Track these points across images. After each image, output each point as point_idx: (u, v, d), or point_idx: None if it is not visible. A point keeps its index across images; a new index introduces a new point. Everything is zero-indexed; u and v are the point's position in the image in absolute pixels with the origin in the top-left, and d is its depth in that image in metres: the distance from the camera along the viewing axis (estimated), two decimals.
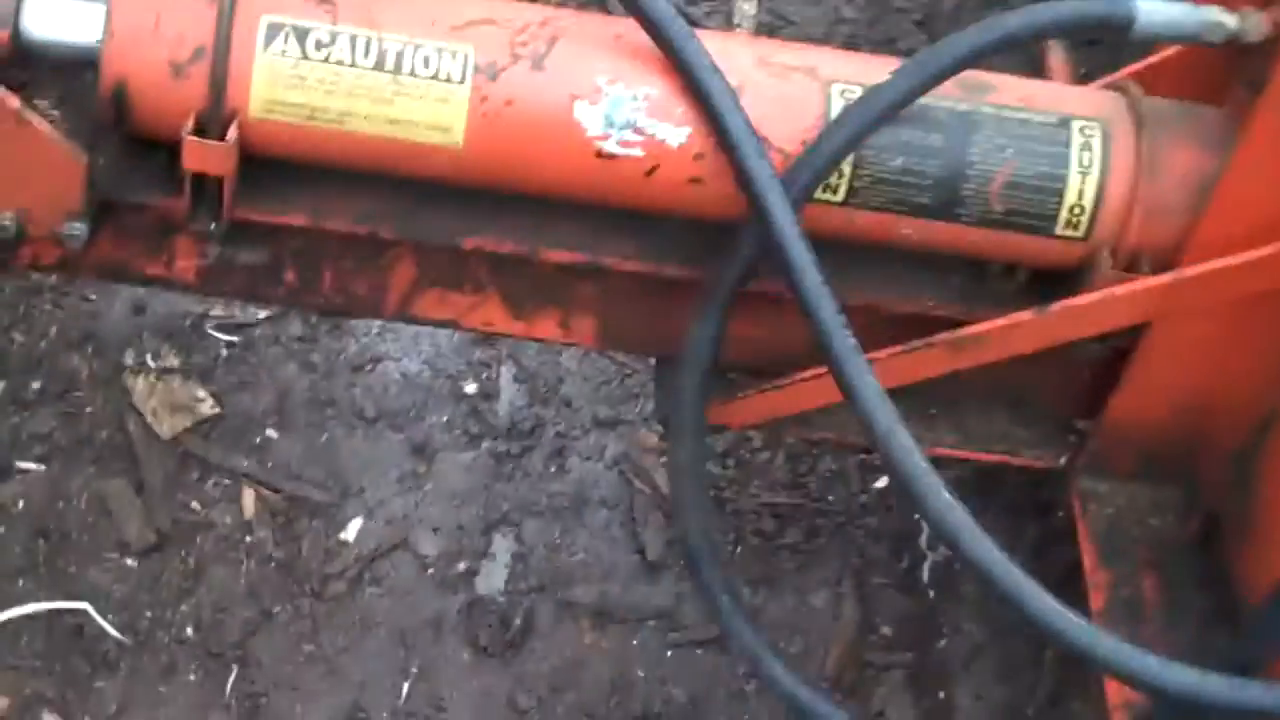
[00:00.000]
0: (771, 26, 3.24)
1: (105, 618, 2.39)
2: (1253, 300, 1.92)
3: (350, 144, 1.88)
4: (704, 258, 1.97)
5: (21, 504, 2.47)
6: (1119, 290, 1.89)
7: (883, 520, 2.61)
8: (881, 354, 1.95)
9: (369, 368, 2.69)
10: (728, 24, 3.22)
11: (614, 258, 2.00)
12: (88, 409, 2.57)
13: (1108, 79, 2.10)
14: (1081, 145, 1.90)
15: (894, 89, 1.86)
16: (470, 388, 2.69)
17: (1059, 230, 1.91)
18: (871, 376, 1.78)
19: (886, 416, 1.76)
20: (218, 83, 1.83)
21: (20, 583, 2.40)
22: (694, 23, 3.19)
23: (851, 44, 3.23)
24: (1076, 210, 1.90)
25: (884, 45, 3.24)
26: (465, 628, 2.46)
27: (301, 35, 1.83)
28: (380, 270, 2.06)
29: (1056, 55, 2.41)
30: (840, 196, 1.90)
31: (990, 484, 2.45)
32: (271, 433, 2.60)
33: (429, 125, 1.86)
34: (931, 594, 2.54)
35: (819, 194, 1.89)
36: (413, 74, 1.84)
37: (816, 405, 2.06)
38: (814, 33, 3.24)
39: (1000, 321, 1.93)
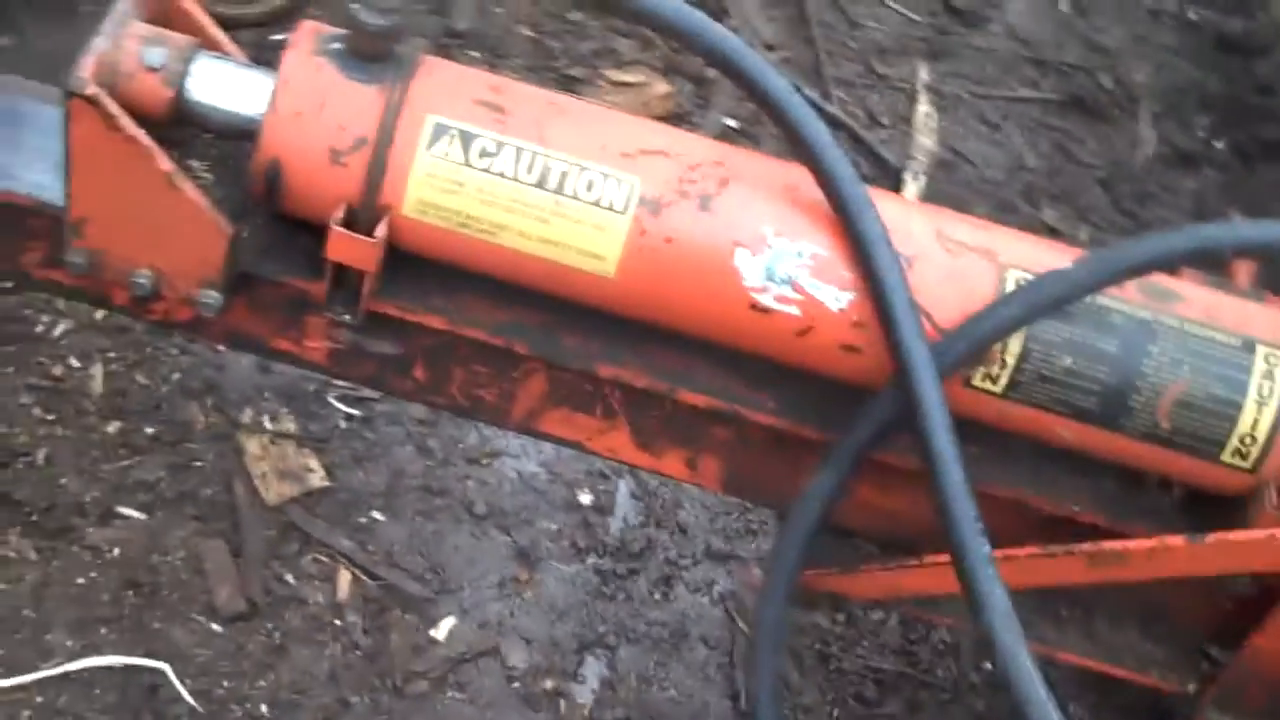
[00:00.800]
0: (949, 164, 3.15)
1: (183, 681, 2.33)
2: None
3: (499, 257, 1.82)
4: (845, 423, 1.88)
5: (117, 551, 2.42)
6: None
7: (989, 703, 2.48)
8: (1017, 553, 1.85)
9: (486, 462, 2.62)
10: (905, 154, 3.13)
11: (752, 410, 1.91)
12: (197, 462, 2.53)
13: None
14: (1264, 373, 1.78)
15: (1069, 279, 1.77)
16: (585, 498, 2.62)
17: (1226, 457, 1.80)
18: (1001, 590, 1.69)
19: (1011, 637, 1.66)
20: (374, 176, 1.78)
21: (103, 631, 2.35)
22: (868, 147, 3.16)
23: (1028, 193, 3.14)
24: (1248, 440, 1.78)
25: (1062, 199, 3.14)
26: None
27: (467, 141, 1.77)
28: (511, 381, 1.99)
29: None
30: (1001, 388, 1.80)
31: (1108, 682, 2.33)
32: (378, 515, 2.54)
33: (583, 251, 1.79)
34: None
35: (978, 381, 1.80)
36: (574, 197, 1.78)
37: (941, 591, 1.96)
38: (992, 175, 3.15)
39: (1148, 543, 1.82)
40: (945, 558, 1.81)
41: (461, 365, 1.98)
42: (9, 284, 2.40)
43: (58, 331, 2.58)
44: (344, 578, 2.47)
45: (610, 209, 1.77)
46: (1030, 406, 1.82)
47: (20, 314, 2.55)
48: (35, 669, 2.30)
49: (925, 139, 3.15)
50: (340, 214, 1.78)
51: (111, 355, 2.59)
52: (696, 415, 1.95)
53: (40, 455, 2.46)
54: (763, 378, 1.91)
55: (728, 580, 2.57)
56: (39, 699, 2.28)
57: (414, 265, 1.87)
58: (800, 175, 1.80)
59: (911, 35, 3.47)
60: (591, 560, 2.56)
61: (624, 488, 2.64)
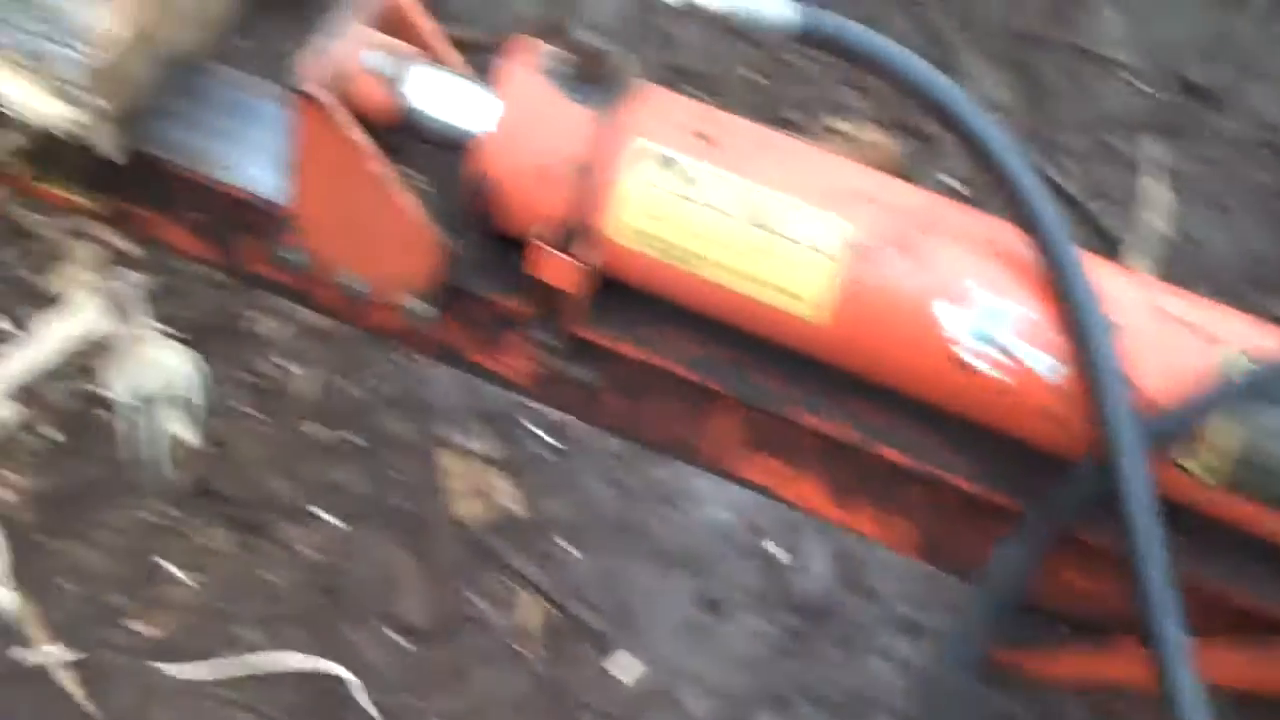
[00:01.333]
0: (1174, 243, 3.04)
1: (364, 691, 2.35)
2: None
3: (699, 289, 1.79)
4: (1043, 494, 1.80)
5: (310, 552, 2.46)
6: None
7: None
8: (1219, 647, 1.76)
9: (678, 504, 2.60)
10: (1128, 229, 3.03)
11: (947, 471, 1.85)
12: (394, 474, 2.55)
13: None
14: None
15: None
16: (775, 550, 2.57)
17: None
18: (1197, 684, 1.59)
19: None
20: (582, 198, 1.77)
21: (290, 632, 2.38)
22: (1091, 218, 3.05)
23: (1258, 282, 3.01)
24: None
25: None
26: None
27: (675, 168, 1.75)
28: (703, 417, 1.96)
29: None
30: (1209, 472, 1.71)
31: None
32: (566, 545, 2.53)
33: (782, 289, 1.75)
34: None
35: (1186, 463, 1.71)
36: (780, 234, 1.74)
37: (1135, 682, 1.86)
38: (1221, 260, 3.03)
39: None
40: (1139, 645, 1.74)
41: (655, 397, 1.96)
42: (230, 277, 2.47)
43: (270, 330, 2.63)
44: (528, 605, 2.46)
45: (813, 248, 1.73)
46: (1240, 495, 1.72)
47: (235, 309, 2.61)
48: (220, 659, 2.33)
49: (1151, 216, 3.05)
50: (545, 232, 1.78)
51: (320, 359, 2.63)
52: (890, 472, 1.89)
53: (243, 450, 2.51)
54: (960, 439, 1.84)
55: (915, 651, 2.49)
56: (221, 691, 2.31)
57: (617, 292, 1.85)
58: (1007, 232, 1.74)
59: (1145, 109, 3.37)
60: (777, 614, 2.51)
61: (816, 544, 2.58)
